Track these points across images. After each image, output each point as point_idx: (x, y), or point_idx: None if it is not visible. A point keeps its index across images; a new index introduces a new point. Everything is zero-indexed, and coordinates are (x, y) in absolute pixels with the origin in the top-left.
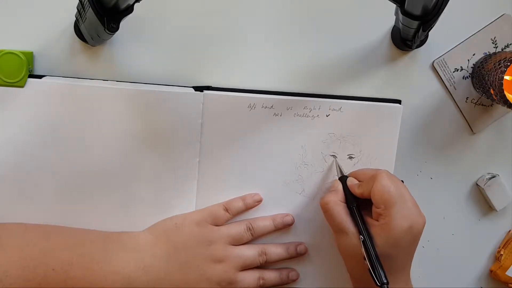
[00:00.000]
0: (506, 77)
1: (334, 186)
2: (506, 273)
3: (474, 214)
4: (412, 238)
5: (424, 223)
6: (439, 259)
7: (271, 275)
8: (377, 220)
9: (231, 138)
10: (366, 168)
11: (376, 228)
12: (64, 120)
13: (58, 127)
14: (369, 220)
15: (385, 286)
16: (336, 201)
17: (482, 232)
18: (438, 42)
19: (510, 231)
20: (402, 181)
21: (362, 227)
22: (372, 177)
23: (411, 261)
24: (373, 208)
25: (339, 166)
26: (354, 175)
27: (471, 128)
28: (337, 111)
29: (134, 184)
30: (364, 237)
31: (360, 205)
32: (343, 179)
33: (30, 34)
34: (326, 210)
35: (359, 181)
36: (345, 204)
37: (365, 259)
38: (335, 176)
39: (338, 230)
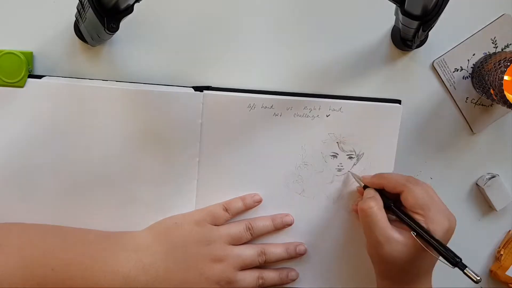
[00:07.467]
0: (506, 77)
1: (369, 193)
2: (506, 273)
3: (474, 214)
4: (448, 237)
5: (456, 222)
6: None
7: (270, 275)
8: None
9: (231, 138)
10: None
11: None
12: (64, 120)
13: (58, 127)
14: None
15: (460, 263)
16: (380, 206)
17: (482, 232)
18: (438, 42)
19: (510, 231)
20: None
21: (411, 220)
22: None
23: None
24: (411, 214)
25: (357, 176)
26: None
27: (471, 128)
28: (337, 111)
29: (134, 184)
30: (417, 230)
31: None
32: (367, 186)
33: (30, 34)
34: (369, 214)
35: (384, 188)
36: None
37: (428, 248)
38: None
39: (381, 237)
